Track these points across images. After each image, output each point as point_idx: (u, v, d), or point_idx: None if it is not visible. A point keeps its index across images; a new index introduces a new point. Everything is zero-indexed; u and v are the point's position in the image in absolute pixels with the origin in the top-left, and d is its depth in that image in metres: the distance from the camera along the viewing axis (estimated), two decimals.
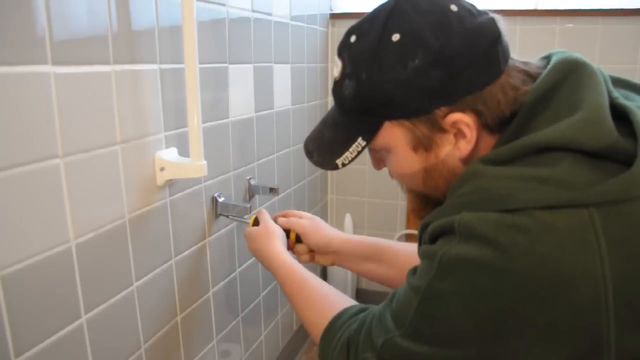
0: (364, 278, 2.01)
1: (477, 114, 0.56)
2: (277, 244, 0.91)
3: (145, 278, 0.86)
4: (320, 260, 0.98)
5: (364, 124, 0.61)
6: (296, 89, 1.51)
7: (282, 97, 1.41)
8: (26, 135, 0.61)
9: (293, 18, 1.44)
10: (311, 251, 0.98)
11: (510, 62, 0.58)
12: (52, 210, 0.66)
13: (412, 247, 0.92)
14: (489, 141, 0.59)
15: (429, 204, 0.67)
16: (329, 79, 1.81)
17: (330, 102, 1.87)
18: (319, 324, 0.72)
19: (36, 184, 0.63)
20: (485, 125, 0.58)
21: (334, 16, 1.78)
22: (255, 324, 1.37)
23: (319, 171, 1.82)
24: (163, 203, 0.90)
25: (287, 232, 0.98)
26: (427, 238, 0.58)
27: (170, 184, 0.91)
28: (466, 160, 0.60)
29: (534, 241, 0.48)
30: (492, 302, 0.50)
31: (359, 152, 0.63)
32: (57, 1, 0.63)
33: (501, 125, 0.57)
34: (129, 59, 0.77)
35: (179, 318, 0.98)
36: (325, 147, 0.65)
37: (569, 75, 0.56)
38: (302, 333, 1.77)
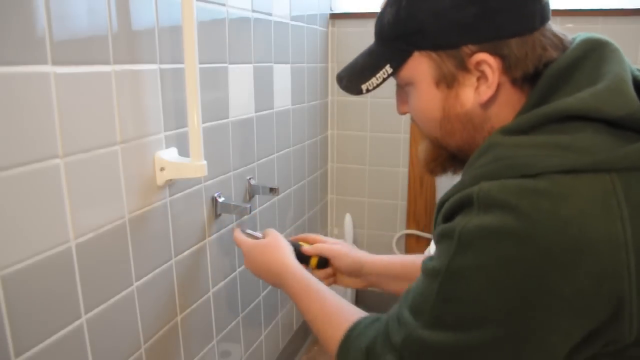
0: None
1: (502, 59, 0.57)
2: (290, 255, 0.90)
3: (145, 278, 0.86)
4: (349, 283, 0.98)
5: (395, 51, 0.63)
6: (296, 89, 1.51)
7: (282, 97, 1.41)
8: (26, 135, 0.61)
9: (293, 18, 1.44)
10: (333, 275, 0.98)
11: (547, 25, 0.59)
12: (52, 210, 0.66)
13: None
14: (508, 94, 0.59)
15: (442, 156, 0.68)
16: (329, 79, 1.81)
17: (330, 101, 1.87)
18: (335, 336, 0.70)
19: (36, 184, 0.63)
20: (508, 74, 0.58)
21: (334, 16, 1.78)
22: (255, 324, 1.37)
23: (319, 171, 1.82)
24: (163, 203, 0.90)
25: (307, 258, 0.96)
26: (443, 216, 0.58)
27: (170, 184, 0.91)
28: (485, 106, 0.60)
29: (557, 205, 0.48)
30: (516, 271, 0.49)
31: (384, 79, 0.64)
32: (57, 1, 0.63)
33: (523, 81, 0.58)
34: (129, 59, 0.77)
35: (179, 318, 0.98)
36: (356, 73, 0.68)
37: (592, 52, 0.57)
38: (302, 333, 1.77)
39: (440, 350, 0.54)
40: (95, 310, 0.75)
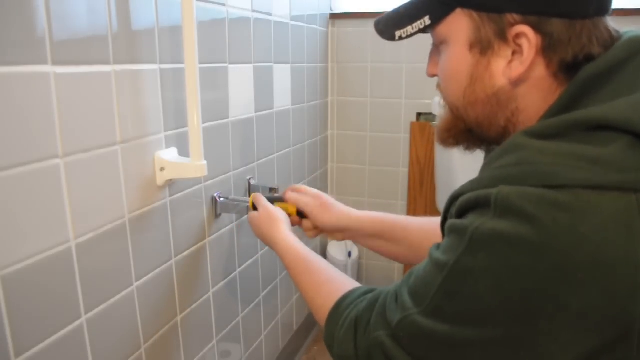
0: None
1: (543, 38, 0.54)
2: (281, 227, 0.91)
3: (145, 278, 0.86)
4: (330, 236, 0.99)
5: (438, 4, 0.61)
6: (296, 89, 1.51)
7: (282, 97, 1.41)
8: (26, 135, 0.61)
9: (293, 18, 1.44)
10: (316, 227, 0.98)
11: (604, 19, 0.56)
12: (52, 210, 0.66)
13: (423, 224, 0.92)
14: (540, 78, 0.57)
15: (458, 127, 0.65)
16: (329, 79, 1.81)
17: (330, 101, 1.87)
18: (325, 306, 0.71)
19: (36, 184, 0.63)
20: (544, 56, 0.56)
21: (334, 16, 1.78)
22: (255, 324, 1.37)
23: (319, 171, 1.82)
24: (163, 203, 0.90)
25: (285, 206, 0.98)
26: (456, 211, 0.56)
27: (170, 184, 0.91)
28: (514, 84, 0.58)
29: (576, 221, 0.46)
30: (526, 282, 0.48)
31: (420, 30, 0.63)
32: (57, 1, 0.63)
33: (558, 69, 0.56)
34: (129, 59, 0.77)
35: (179, 318, 0.98)
36: (394, 19, 0.66)
37: (636, 56, 0.54)
38: (302, 333, 1.77)
39: (435, 338, 0.54)
40: (95, 310, 0.75)
